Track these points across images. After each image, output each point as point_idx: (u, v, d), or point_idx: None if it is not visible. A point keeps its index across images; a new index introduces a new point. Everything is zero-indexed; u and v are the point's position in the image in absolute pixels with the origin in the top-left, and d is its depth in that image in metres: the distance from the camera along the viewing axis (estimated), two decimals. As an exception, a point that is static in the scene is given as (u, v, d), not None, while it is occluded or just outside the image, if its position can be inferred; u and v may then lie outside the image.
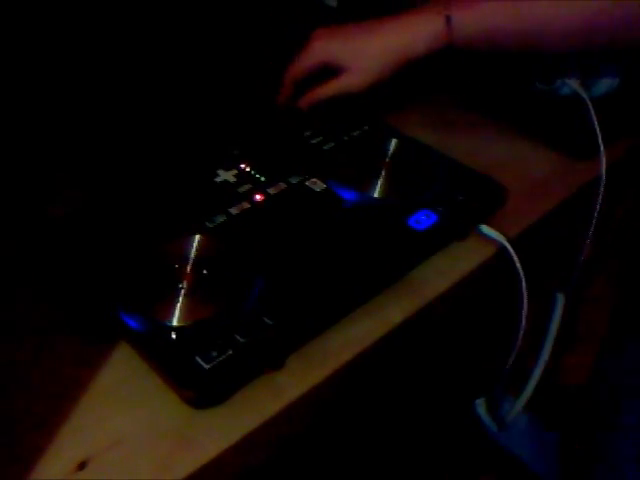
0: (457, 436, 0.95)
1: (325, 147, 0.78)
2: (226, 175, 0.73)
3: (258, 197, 0.70)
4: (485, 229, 0.72)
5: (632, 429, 0.72)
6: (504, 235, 0.72)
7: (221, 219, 0.68)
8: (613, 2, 0.71)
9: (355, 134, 0.80)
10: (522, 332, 0.75)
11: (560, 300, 0.87)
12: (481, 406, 0.91)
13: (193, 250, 0.62)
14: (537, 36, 0.76)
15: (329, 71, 0.80)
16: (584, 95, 0.83)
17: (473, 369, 0.93)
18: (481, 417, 0.92)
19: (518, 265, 0.71)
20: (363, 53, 0.78)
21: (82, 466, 0.53)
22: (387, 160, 0.75)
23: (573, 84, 0.84)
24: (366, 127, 0.81)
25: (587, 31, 0.74)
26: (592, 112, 0.82)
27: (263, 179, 0.73)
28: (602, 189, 0.82)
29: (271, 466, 0.61)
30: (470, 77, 0.91)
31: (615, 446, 0.72)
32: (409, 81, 0.82)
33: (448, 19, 0.74)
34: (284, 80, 0.82)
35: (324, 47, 0.79)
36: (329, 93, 0.80)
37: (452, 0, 0.75)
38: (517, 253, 0.71)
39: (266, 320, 0.58)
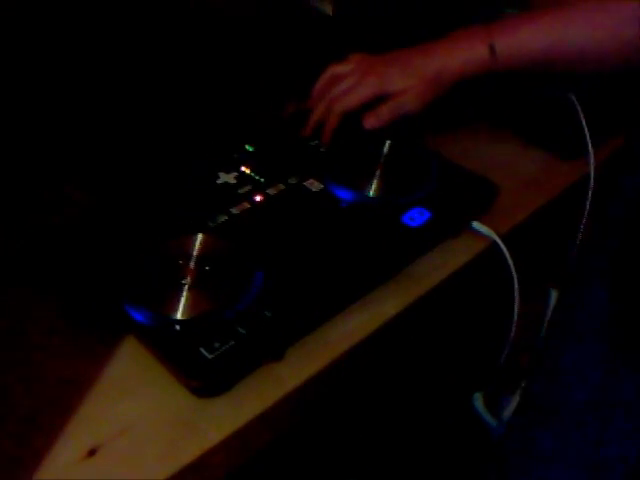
0: (455, 429, 0.97)
1: (322, 149, 0.81)
2: (227, 177, 0.76)
3: (258, 197, 0.73)
4: (477, 226, 0.75)
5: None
6: (496, 231, 0.74)
7: (223, 218, 0.71)
8: None
9: (350, 136, 0.82)
10: (515, 326, 0.78)
11: (553, 295, 0.89)
12: (479, 400, 0.93)
13: (196, 247, 0.65)
14: (574, 60, 0.80)
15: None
16: (572, 96, 0.85)
17: (469, 363, 0.95)
18: (479, 411, 0.93)
19: (509, 260, 0.74)
20: (422, 75, 0.80)
21: (92, 453, 0.55)
22: (382, 160, 0.78)
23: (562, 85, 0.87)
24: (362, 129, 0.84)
25: (623, 55, 0.77)
26: (580, 113, 0.85)
27: (262, 180, 0.76)
28: (591, 187, 0.84)
29: (272, 453, 0.64)
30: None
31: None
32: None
33: (492, 47, 0.78)
34: (333, 111, 0.82)
35: (384, 78, 0.81)
36: (392, 117, 0.81)
37: (494, 27, 0.79)
38: (508, 249, 0.74)
39: (266, 313, 0.61)
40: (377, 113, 0.81)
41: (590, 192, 0.85)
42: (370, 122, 0.81)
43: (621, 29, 0.76)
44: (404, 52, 0.83)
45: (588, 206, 0.85)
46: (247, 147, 0.81)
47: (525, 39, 0.79)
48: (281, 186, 0.75)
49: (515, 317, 0.78)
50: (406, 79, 0.80)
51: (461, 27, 0.82)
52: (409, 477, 0.95)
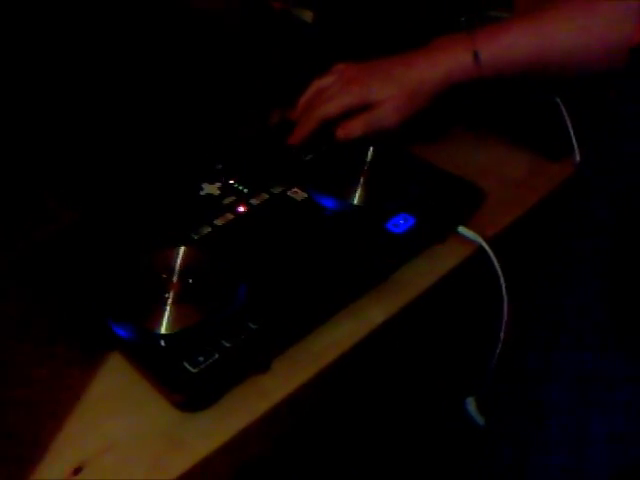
0: (448, 435, 0.96)
1: (305, 158, 0.80)
2: (210, 188, 0.76)
3: (241, 208, 0.73)
4: (463, 230, 0.74)
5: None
6: (482, 235, 0.74)
7: (206, 230, 0.70)
8: (632, 27, 0.74)
9: (333, 144, 0.82)
10: (504, 329, 0.78)
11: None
12: (471, 404, 0.93)
13: (179, 261, 0.65)
14: (561, 64, 0.79)
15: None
16: (556, 96, 0.85)
17: (460, 368, 0.95)
18: (472, 415, 0.93)
19: (496, 264, 0.74)
20: (402, 85, 0.79)
21: (77, 471, 0.55)
22: (365, 167, 0.77)
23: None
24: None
25: (610, 57, 0.76)
26: (564, 113, 0.85)
27: (246, 191, 0.75)
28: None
29: (260, 466, 0.63)
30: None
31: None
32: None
33: (476, 55, 0.77)
34: (311, 117, 0.81)
35: (364, 87, 0.80)
36: (364, 130, 0.80)
37: (478, 34, 0.78)
38: (495, 253, 0.74)
39: (251, 325, 0.60)
40: (349, 125, 0.80)
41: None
42: (340, 133, 0.80)
43: (609, 31, 0.75)
44: (386, 61, 0.82)
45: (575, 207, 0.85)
46: (231, 157, 0.81)
47: (510, 45, 0.78)
48: (265, 196, 0.75)
49: (504, 319, 0.77)
50: (386, 89, 0.79)
51: (444, 34, 0.82)
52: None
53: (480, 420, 0.93)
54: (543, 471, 0.60)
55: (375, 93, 0.80)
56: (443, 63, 0.79)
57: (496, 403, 0.72)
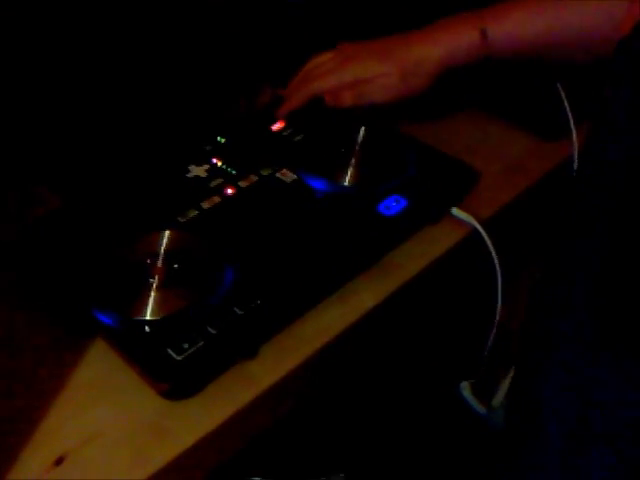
0: (443, 419, 0.95)
1: (295, 138, 0.78)
2: (198, 170, 0.74)
3: (229, 191, 0.71)
4: (457, 212, 0.73)
5: None
6: (476, 218, 0.72)
7: (193, 214, 0.68)
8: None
9: (323, 124, 0.80)
10: (498, 313, 0.76)
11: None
12: (466, 389, 0.92)
13: (164, 245, 0.63)
14: (570, 45, 0.76)
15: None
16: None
17: (455, 352, 0.94)
18: (467, 400, 0.92)
19: (491, 247, 0.72)
20: (399, 64, 0.77)
21: (59, 461, 0.54)
22: (356, 148, 0.75)
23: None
24: (334, 117, 0.82)
25: (616, 38, 0.73)
26: (562, 93, 0.83)
27: (234, 172, 0.73)
28: (575, 169, 0.82)
29: (248, 454, 0.62)
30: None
31: None
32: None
33: (484, 32, 0.75)
34: (302, 90, 0.80)
35: (359, 65, 0.79)
36: (354, 103, 0.79)
37: (486, 12, 0.76)
38: (490, 234, 0.72)
39: (237, 310, 0.59)
40: (340, 94, 0.79)
41: (574, 174, 0.83)
42: (330, 100, 0.79)
43: (619, 9, 0.73)
44: (388, 40, 0.80)
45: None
46: (219, 139, 0.79)
47: (520, 23, 0.76)
48: (253, 178, 0.73)
49: (499, 303, 0.76)
50: (381, 66, 0.77)
51: (440, 8, 0.79)
52: (397, 469, 0.94)
53: (475, 404, 0.92)
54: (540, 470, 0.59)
55: (369, 70, 0.78)
56: (445, 42, 0.77)
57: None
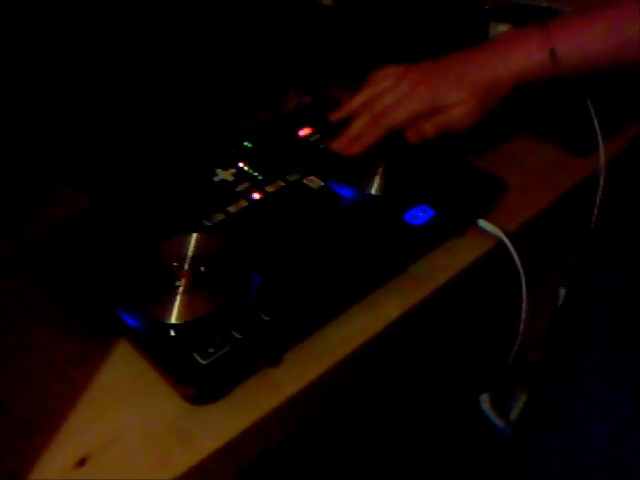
0: (461, 432, 0.95)
1: (322, 145, 0.78)
2: (224, 174, 0.74)
3: (256, 195, 0.71)
4: (483, 224, 0.72)
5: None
6: (502, 229, 0.72)
7: (219, 217, 0.68)
8: None
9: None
10: (522, 326, 0.76)
11: (562, 294, 0.87)
12: (485, 402, 0.91)
13: (191, 248, 0.63)
14: (634, 62, 0.74)
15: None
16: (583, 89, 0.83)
17: (476, 364, 0.93)
18: (486, 413, 0.91)
19: (516, 259, 0.72)
20: (475, 87, 0.74)
21: (82, 463, 0.53)
22: (384, 156, 0.75)
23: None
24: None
25: None
26: (590, 107, 0.82)
27: (261, 177, 0.73)
28: (602, 183, 0.82)
29: (269, 460, 0.62)
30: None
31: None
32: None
33: (553, 52, 0.72)
34: (380, 125, 0.75)
35: (433, 91, 0.74)
36: (437, 134, 0.75)
37: (553, 29, 0.73)
38: (516, 247, 0.72)
39: (263, 316, 0.59)
40: (421, 127, 0.75)
41: (600, 188, 0.82)
42: (412, 136, 0.75)
43: None
44: (453, 60, 0.76)
45: (598, 203, 0.83)
46: (245, 143, 0.79)
47: (590, 40, 0.72)
48: (280, 183, 0.73)
49: (523, 316, 0.75)
50: (458, 92, 0.73)
51: (468, 19, 0.78)
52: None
53: (493, 417, 0.91)
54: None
55: (445, 97, 0.74)
56: (517, 61, 0.73)
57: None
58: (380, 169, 0.73)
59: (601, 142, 0.82)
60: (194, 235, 0.64)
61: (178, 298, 0.59)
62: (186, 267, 0.61)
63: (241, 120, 0.84)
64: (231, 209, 0.69)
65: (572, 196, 0.81)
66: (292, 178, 0.73)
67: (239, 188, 0.72)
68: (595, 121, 0.82)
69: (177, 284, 0.60)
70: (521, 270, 0.72)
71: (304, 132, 0.81)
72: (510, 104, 0.76)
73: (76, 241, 0.67)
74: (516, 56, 0.73)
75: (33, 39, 0.78)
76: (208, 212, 0.69)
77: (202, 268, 0.62)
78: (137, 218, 0.69)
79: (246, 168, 0.75)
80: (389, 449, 0.89)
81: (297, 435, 0.63)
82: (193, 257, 0.62)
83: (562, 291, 0.88)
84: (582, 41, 0.73)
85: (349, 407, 0.75)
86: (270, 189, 0.72)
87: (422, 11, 0.93)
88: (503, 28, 0.92)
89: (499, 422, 0.91)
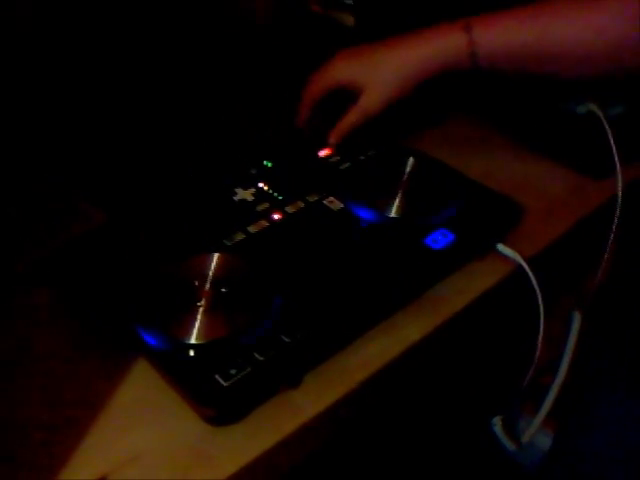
0: (474, 454, 0.94)
1: (342, 167, 0.78)
2: (244, 194, 0.74)
3: (276, 216, 0.71)
4: (502, 248, 0.72)
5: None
6: (521, 254, 0.72)
7: (239, 237, 0.68)
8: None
9: (371, 154, 0.80)
10: (539, 351, 0.75)
11: (576, 318, 0.86)
12: (497, 425, 0.91)
13: (212, 268, 0.63)
14: (559, 58, 0.75)
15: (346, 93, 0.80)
16: (600, 114, 0.83)
17: (490, 387, 0.93)
18: (498, 436, 0.91)
19: (535, 284, 0.71)
20: (382, 68, 0.77)
21: (101, 482, 0.53)
22: (404, 179, 0.75)
23: (589, 103, 0.84)
24: (383, 147, 0.82)
25: (613, 56, 0.72)
26: (608, 131, 0.82)
27: (281, 198, 0.73)
28: (619, 208, 0.82)
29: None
30: (487, 96, 0.92)
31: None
32: (429, 100, 0.82)
33: (469, 31, 0.74)
34: (302, 100, 0.82)
35: (344, 67, 0.80)
36: (354, 121, 0.80)
37: (472, 19, 0.75)
38: (534, 272, 0.71)
39: (284, 338, 0.58)
40: (338, 126, 0.80)
41: (617, 213, 0.82)
42: (332, 137, 0.81)
43: (615, 28, 0.71)
44: (375, 44, 0.80)
45: (615, 226, 0.83)
46: (265, 163, 0.79)
47: (507, 31, 0.74)
48: (300, 204, 0.73)
49: (539, 341, 0.75)
50: (367, 73, 0.78)
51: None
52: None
53: (505, 441, 0.91)
54: None
55: (355, 74, 0.79)
56: (431, 43, 0.76)
57: None
58: (400, 192, 0.74)
59: (619, 165, 0.82)
60: (216, 255, 0.64)
61: (199, 318, 0.59)
62: (207, 287, 0.61)
63: (261, 139, 0.84)
64: (251, 229, 0.69)
65: (591, 220, 0.81)
66: (312, 199, 0.73)
67: (259, 208, 0.72)
68: (612, 144, 0.82)
69: (198, 304, 0.60)
70: (540, 296, 0.72)
71: (324, 153, 0.81)
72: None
73: (96, 257, 0.67)
74: (430, 39, 0.76)
75: (62, 55, 0.79)
76: (228, 232, 0.69)
77: (223, 289, 0.62)
78: (157, 236, 0.69)
79: (266, 188, 0.75)
80: (402, 467, 0.89)
81: (314, 454, 0.63)
82: (214, 277, 0.62)
83: (577, 315, 0.88)
84: (501, 28, 0.74)
85: (364, 427, 0.75)
86: (290, 210, 0.72)
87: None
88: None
89: (510, 445, 0.91)
